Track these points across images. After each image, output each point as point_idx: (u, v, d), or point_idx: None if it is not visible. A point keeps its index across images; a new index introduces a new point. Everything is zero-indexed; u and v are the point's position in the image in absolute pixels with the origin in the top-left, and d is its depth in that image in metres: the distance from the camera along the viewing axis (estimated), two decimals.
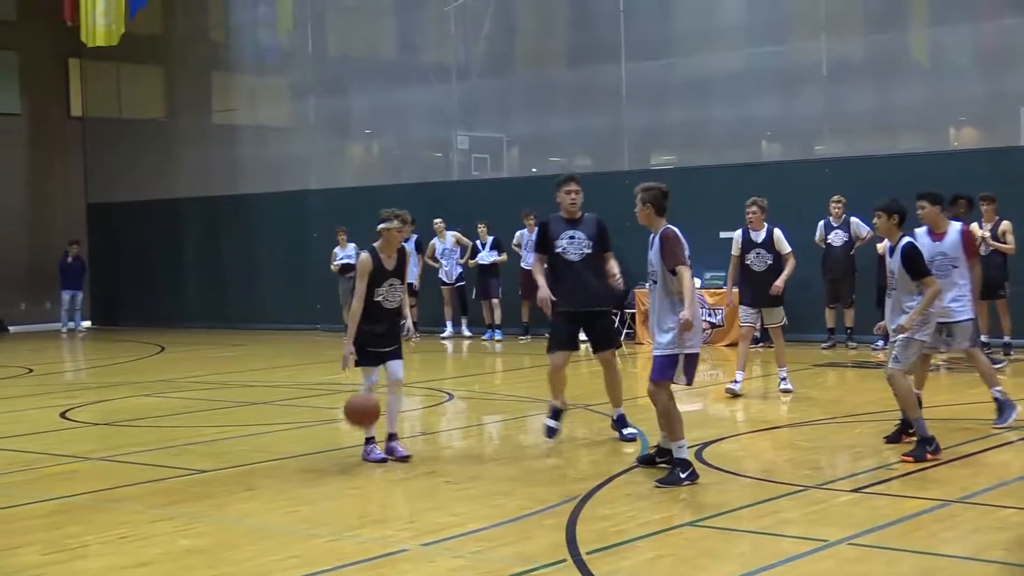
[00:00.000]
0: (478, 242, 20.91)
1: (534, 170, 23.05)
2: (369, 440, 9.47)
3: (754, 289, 12.87)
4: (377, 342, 9.46)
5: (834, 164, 18.77)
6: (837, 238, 17.34)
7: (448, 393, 14.24)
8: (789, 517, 7.44)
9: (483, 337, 20.77)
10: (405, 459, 9.43)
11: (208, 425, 12.02)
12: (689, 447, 8.53)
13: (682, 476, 8.20)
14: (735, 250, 12.99)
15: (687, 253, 8.44)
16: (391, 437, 9.57)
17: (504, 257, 20.45)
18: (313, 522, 7.58)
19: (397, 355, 9.54)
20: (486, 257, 20.17)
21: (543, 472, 9.03)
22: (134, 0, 24.44)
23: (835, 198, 17.29)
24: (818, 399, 12.75)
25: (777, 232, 12.87)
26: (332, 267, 22.04)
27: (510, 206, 20.19)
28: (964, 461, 8.95)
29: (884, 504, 7.70)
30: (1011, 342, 15.97)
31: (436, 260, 21.31)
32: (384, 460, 9.34)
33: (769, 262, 12.73)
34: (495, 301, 20.62)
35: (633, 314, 19.74)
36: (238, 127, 26.93)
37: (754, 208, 12.75)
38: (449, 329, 21.51)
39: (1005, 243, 15.66)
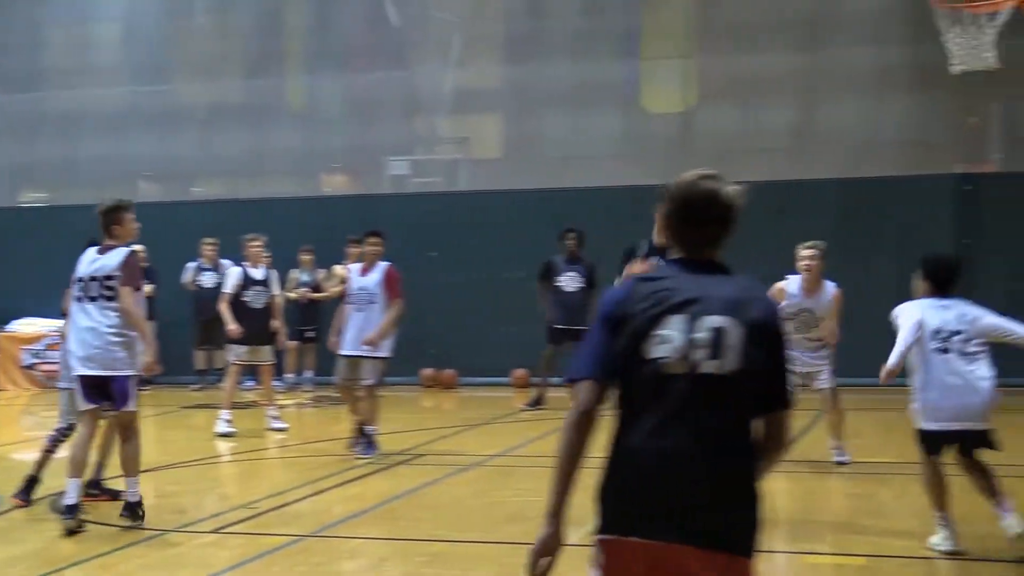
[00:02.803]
0: None
1: None
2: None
3: (247, 326, 12.80)
4: None
5: (211, 206, 18.88)
6: (209, 279, 17.35)
7: None
8: (148, 562, 7.37)
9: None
10: None
11: None
12: (39, 499, 8.18)
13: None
14: (231, 287, 12.97)
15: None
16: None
17: None
18: None
19: None
20: None
21: None
22: None
23: (207, 240, 17.38)
24: (184, 442, 12.65)
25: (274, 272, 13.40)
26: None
27: None
28: (324, 495, 9.32)
29: (242, 543, 7.83)
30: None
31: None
32: None
33: (265, 299, 13.02)
34: None
35: None
36: None
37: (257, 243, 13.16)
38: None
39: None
